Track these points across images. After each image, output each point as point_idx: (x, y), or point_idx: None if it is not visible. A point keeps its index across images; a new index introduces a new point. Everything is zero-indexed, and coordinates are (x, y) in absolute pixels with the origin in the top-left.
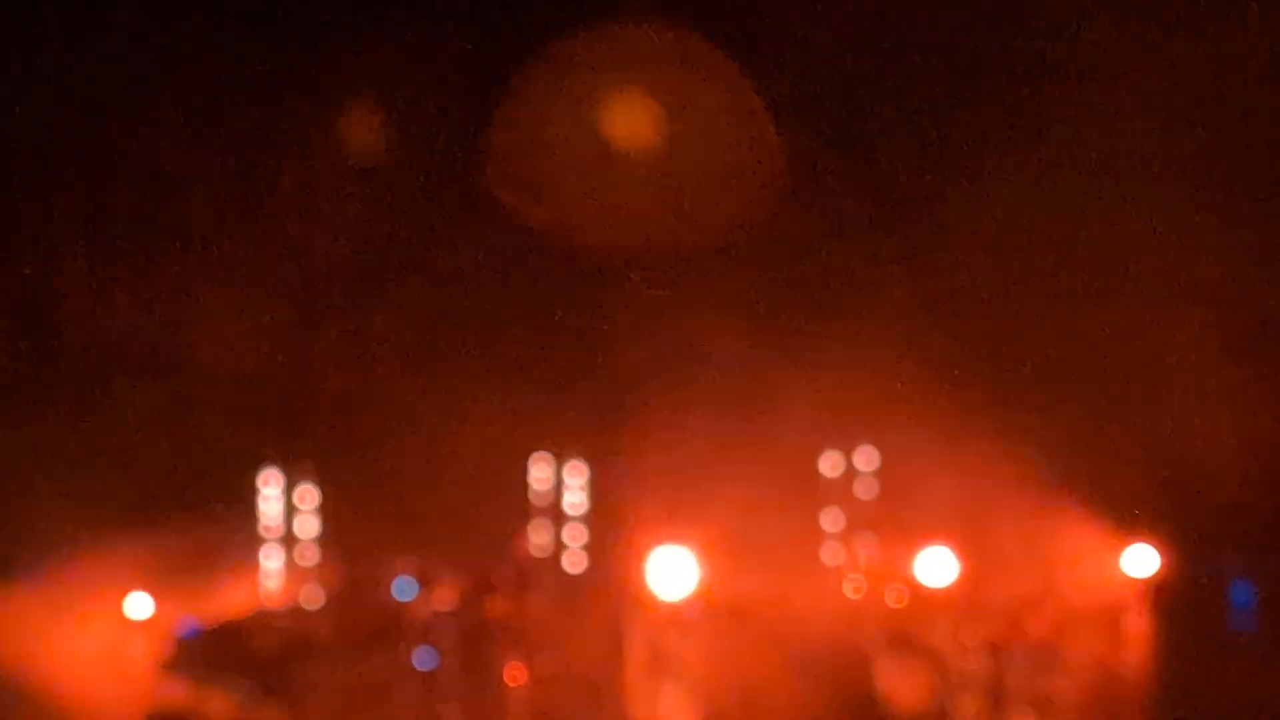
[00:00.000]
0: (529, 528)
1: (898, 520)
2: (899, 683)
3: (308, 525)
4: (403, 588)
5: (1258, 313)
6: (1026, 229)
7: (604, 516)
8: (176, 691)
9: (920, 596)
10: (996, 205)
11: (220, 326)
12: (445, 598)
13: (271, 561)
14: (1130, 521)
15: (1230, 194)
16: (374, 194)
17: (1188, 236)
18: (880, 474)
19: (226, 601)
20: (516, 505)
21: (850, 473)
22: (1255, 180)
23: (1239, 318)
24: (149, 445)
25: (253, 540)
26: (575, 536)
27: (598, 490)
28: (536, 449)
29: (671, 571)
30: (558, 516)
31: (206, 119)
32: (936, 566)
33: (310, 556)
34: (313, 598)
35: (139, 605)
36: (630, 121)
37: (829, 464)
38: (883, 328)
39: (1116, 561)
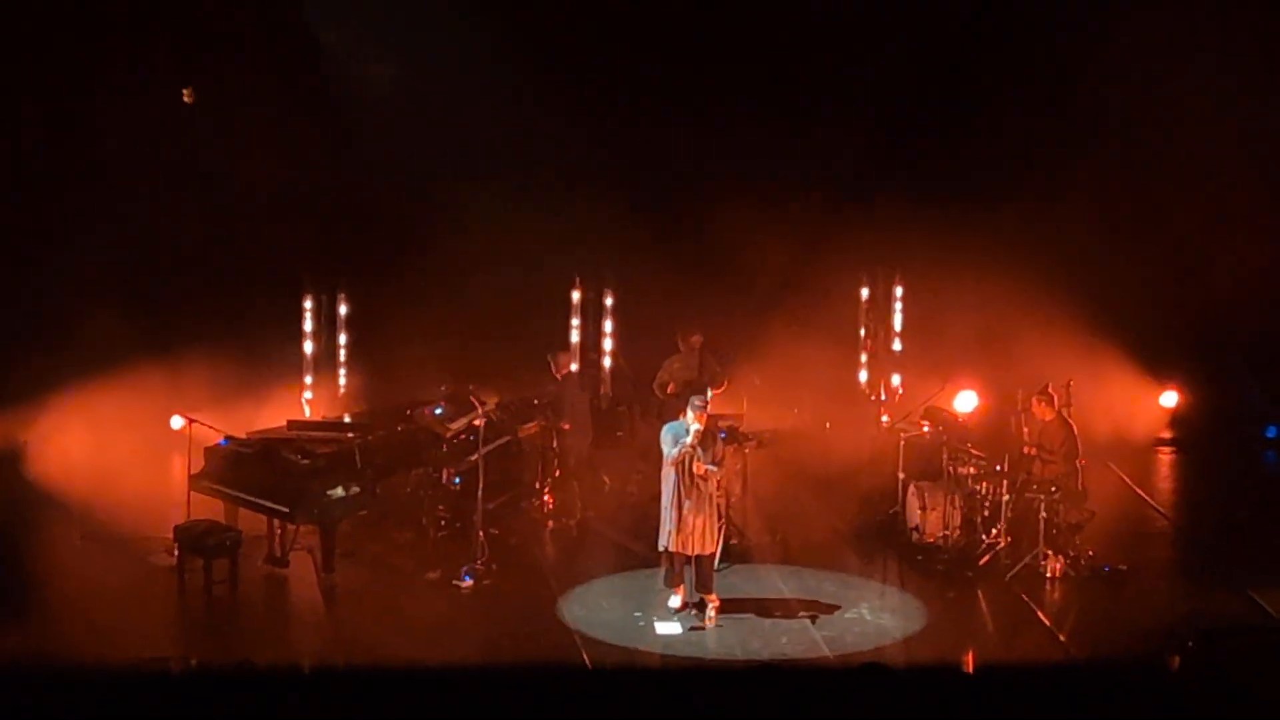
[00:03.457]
0: (568, 352)
1: (929, 353)
2: (927, 509)
3: (350, 344)
4: (441, 406)
5: None
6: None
7: (643, 342)
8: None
9: (950, 426)
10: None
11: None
12: (482, 417)
13: (311, 378)
14: (1160, 359)
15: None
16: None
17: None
18: (913, 309)
19: (265, 416)
20: (558, 330)
21: (884, 308)
22: None
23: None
24: (193, 263)
25: (294, 358)
26: (614, 362)
27: (638, 317)
28: (577, 275)
29: (713, 398)
30: (598, 341)
31: None
32: (965, 398)
33: (350, 374)
34: (351, 415)
35: (182, 420)
36: None
37: (864, 298)
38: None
39: (1146, 397)
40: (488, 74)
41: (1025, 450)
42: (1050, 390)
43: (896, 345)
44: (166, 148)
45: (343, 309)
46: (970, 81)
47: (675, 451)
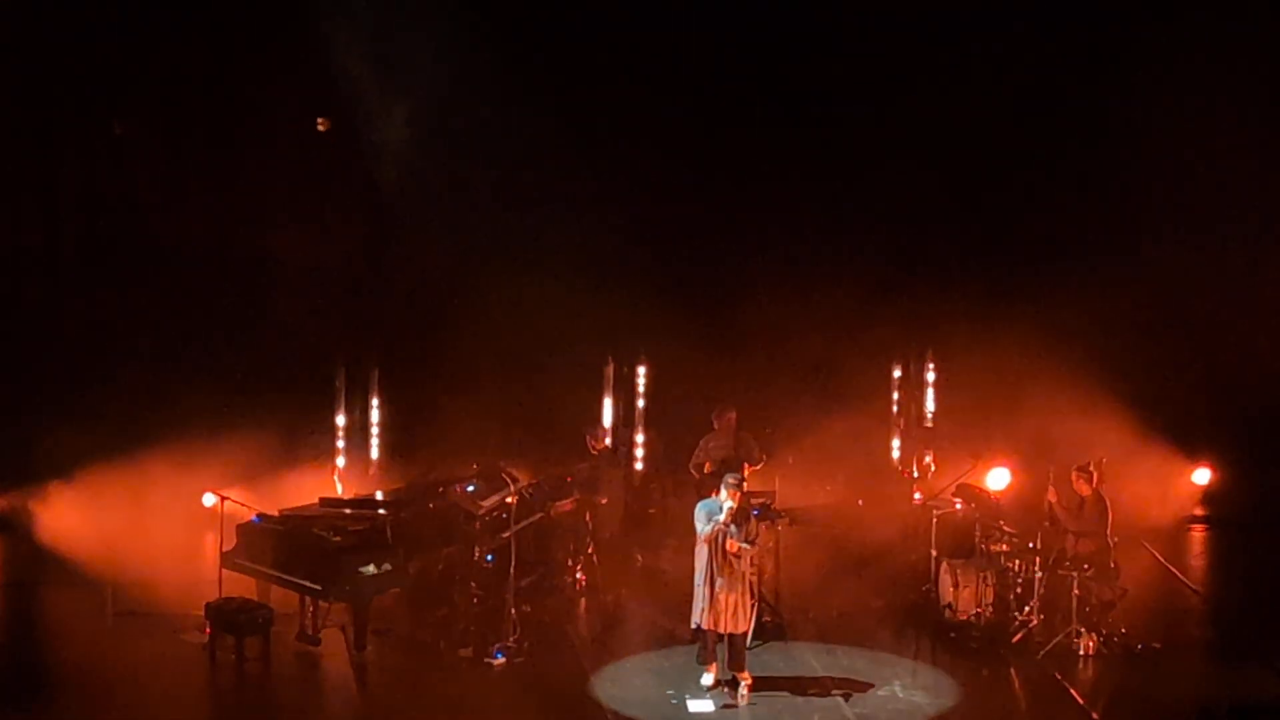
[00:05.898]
0: (602, 428)
1: (962, 430)
2: (960, 586)
3: (382, 421)
4: (474, 484)
5: None
6: None
7: (677, 418)
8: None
9: (982, 503)
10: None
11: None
12: (514, 494)
13: (343, 456)
14: (1192, 437)
15: None
16: None
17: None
18: (946, 386)
19: (297, 493)
20: (590, 407)
21: (916, 385)
22: None
23: None
24: (226, 339)
25: (327, 435)
26: (648, 438)
27: (671, 393)
28: (613, 352)
29: (746, 474)
30: (630, 418)
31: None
32: (997, 475)
33: (384, 452)
34: (384, 492)
35: (214, 498)
36: None
37: (896, 375)
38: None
39: (1179, 475)
40: (523, 154)
41: (1045, 511)
42: (1092, 467)
43: (929, 422)
44: (202, 224)
45: (375, 386)
46: (1003, 173)
47: (708, 529)
